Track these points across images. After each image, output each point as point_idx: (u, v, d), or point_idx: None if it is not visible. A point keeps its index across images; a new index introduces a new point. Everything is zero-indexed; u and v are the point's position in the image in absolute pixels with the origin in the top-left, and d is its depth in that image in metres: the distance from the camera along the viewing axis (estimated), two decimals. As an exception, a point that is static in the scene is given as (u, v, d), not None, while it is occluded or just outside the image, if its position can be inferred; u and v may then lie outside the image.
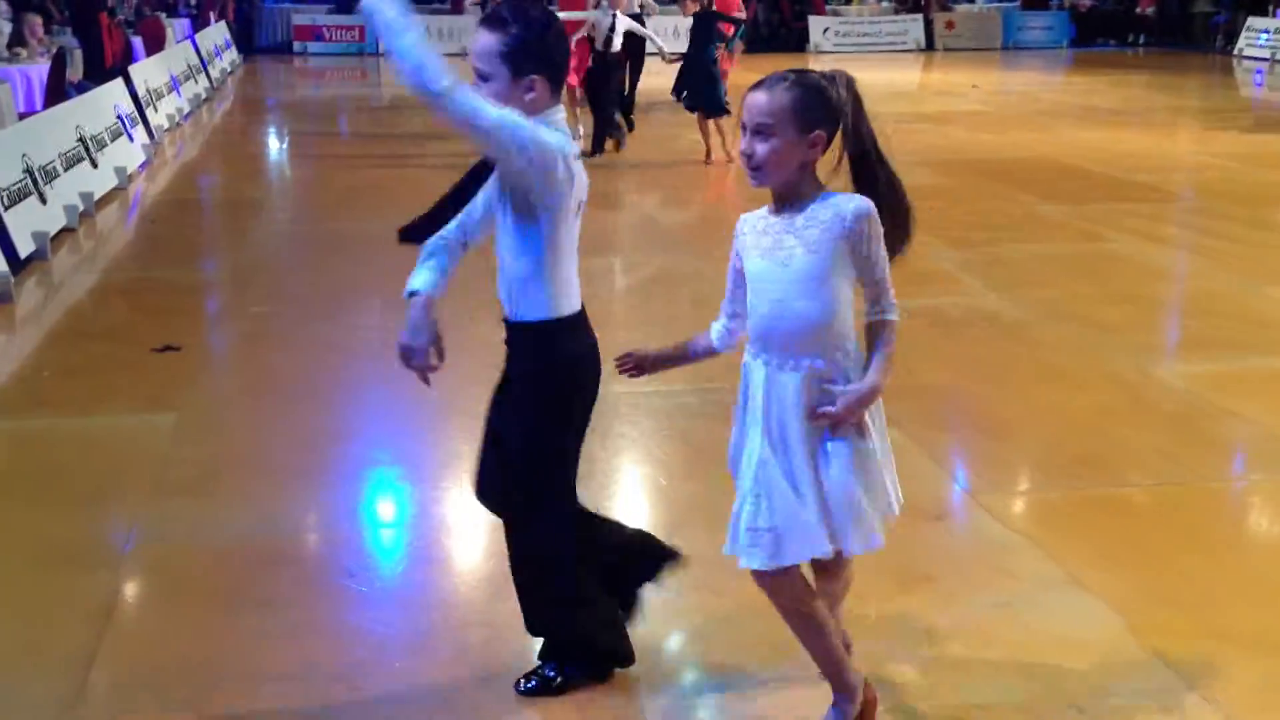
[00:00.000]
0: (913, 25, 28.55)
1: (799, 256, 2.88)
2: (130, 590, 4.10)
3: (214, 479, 4.95)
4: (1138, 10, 29.51)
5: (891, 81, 21.12)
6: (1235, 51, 26.38)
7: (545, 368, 3.19)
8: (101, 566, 4.20)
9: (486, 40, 3.02)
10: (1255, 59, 25.27)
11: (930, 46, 28.11)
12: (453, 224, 3.28)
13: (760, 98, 2.87)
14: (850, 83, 2.91)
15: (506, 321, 3.23)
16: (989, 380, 6.11)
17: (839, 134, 2.90)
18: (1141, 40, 29.09)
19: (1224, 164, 12.78)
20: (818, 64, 17.57)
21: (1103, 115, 16.63)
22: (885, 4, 29.48)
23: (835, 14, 28.85)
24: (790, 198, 2.92)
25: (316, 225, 9.78)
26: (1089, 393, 5.89)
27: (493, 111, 2.89)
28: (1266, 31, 26.09)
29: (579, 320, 3.21)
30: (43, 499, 4.75)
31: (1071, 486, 4.89)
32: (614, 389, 5.88)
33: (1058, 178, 11.73)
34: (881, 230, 2.91)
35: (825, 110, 2.87)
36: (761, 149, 2.85)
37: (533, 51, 3.01)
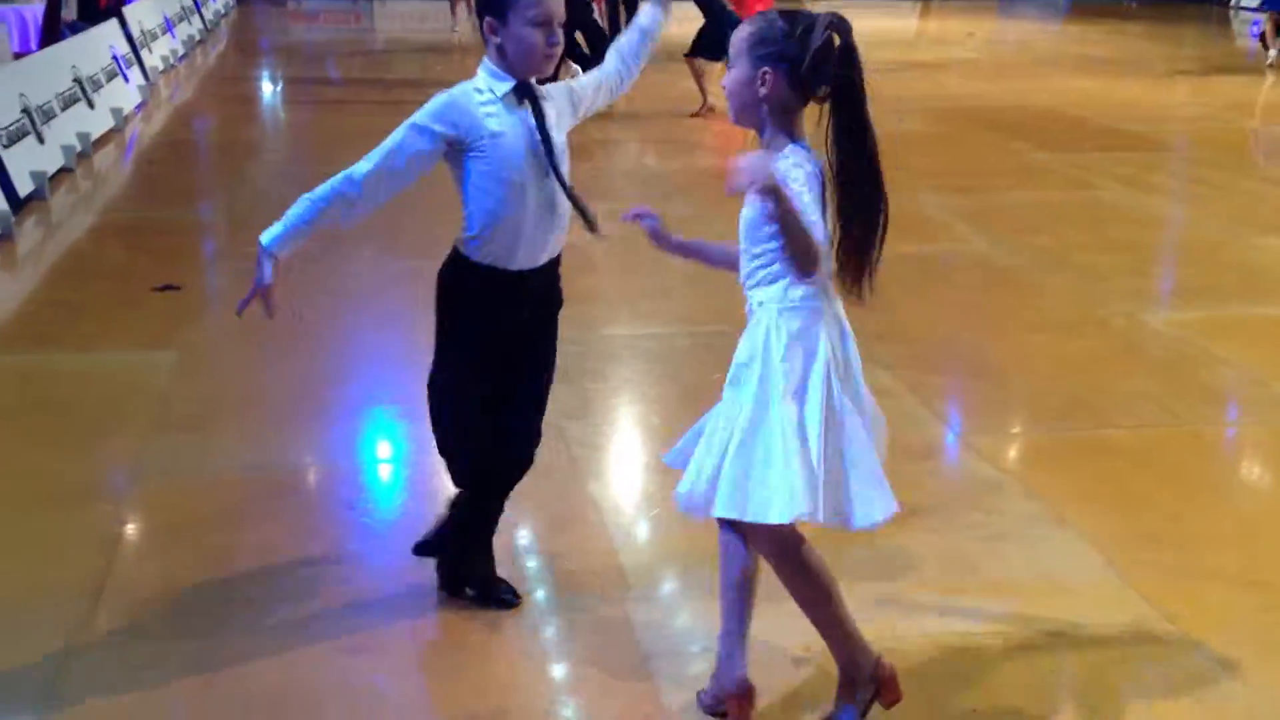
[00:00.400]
0: (910, -27, 28.34)
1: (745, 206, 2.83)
2: (135, 522, 4.18)
3: (215, 416, 5.03)
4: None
5: (888, 29, 21.03)
6: (1231, 3, 26.27)
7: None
8: (106, 500, 4.29)
9: None
10: (1251, 10, 25.16)
11: (927, -5, 27.96)
12: None
13: (736, 31, 2.87)
14: (835, 29, 2.73)
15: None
16: (980, 326, 6.20)
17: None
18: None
19: (1217, 114, 12.81)
20: (815, 8, 17.46)
21: (1098, 65, 16.61)
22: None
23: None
24: (763, 143, 2.85)
25: (312, 167, 9.68)
26: (1079, 338, 5.97)
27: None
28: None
29: None
30: (47, 434, 4.83)
31: (1059, 429, 4.98)
32: (608, 332, 6.00)
33: (1051, 126, 11.75)
34: (804, 201, 2.67)
35: (777, 48, 2.75)
36: (725, 80, 2.88)
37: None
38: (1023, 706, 3.20)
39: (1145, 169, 9.94)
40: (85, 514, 4.18)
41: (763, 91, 2.78)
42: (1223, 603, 3.71)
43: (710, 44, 11.62)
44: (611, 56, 3.57)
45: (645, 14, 3.59)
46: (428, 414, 3.51)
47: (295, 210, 3.29)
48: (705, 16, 11.80)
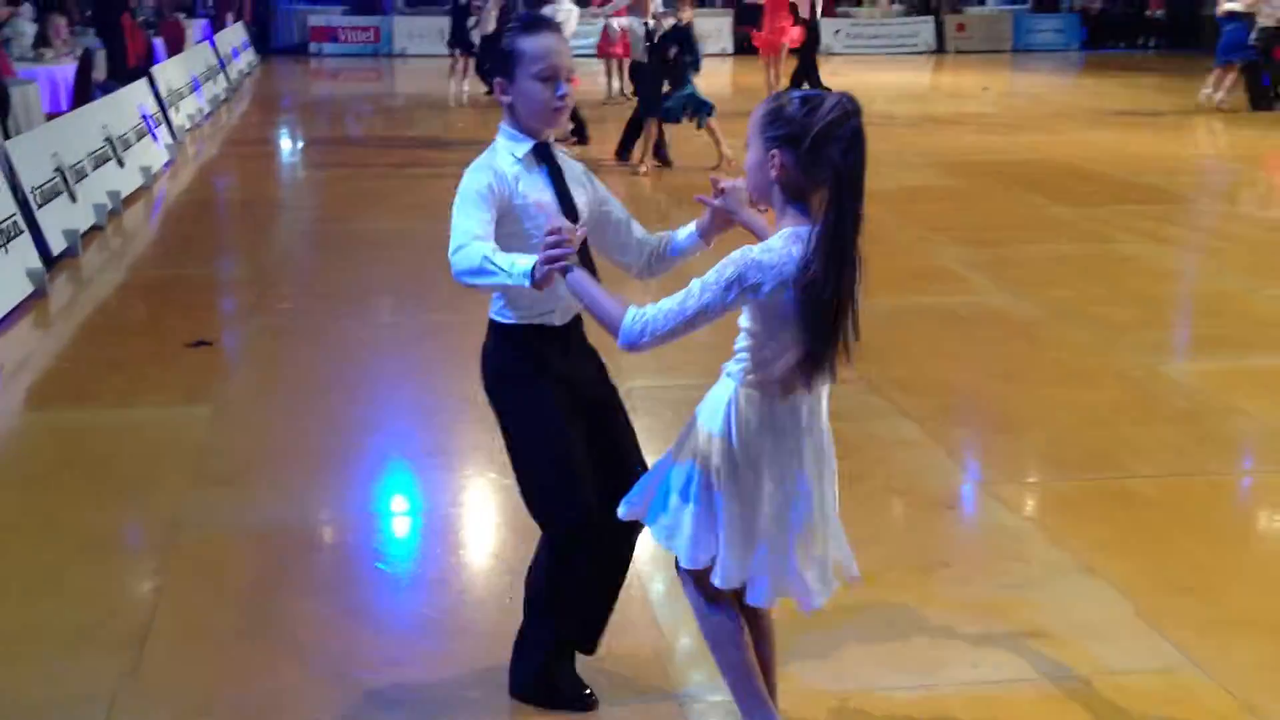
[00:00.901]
0: (924, 27, 28.69)
1: None
2: (176, 575, 4.25)
3: (249, 469, 5.12)
4: (1147, 13, 29.59)
5: (903, 83, 21.30)
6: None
7: None
8: (146, 553, 4.39)
9: None
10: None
11: (941, 49, 28.24)
12: None
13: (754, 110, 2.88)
14: (843, 111, 2.70)
15: None
16: (1000, 377, 6.27)
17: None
18: (1152, 43, 29.19)
19: (1231, 165, 12.93)
20: (828, 65, 17.75)
21: (1112, 117, 16.76)
22: (897, 6, 29.61)
23: (846, 15, 28.98)
24: (776, 222, 2.86)
25: (337, 225, 9.95)
26: (1099, 390, 6.04)
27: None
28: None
29: None
30: (87, 489, 4.93)
31: (1081, 478, 5.04)
32: (630, 384, 6.08)
33: (1067, 179, 11.87)
34: (729, 278, 2.74)
35: (786, 130, 2.74)
36: (746, 161, 2.90)
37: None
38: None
39: (1161, 221, 10.03)
40: (127, 566, 4.28)
41: (773, 174, 2.79)
42: (1253, 650, 3.76)
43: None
44: (654, 243, 3.40)
45: (688, 240, 3.36)
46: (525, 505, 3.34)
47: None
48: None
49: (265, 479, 5.02)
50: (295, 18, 27.40)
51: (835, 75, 23.05)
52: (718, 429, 2.94)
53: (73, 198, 9.04)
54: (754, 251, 2.76)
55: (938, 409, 5.72)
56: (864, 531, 4.58)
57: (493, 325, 3.35)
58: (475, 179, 3.14)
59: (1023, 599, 4.08)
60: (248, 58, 22.41)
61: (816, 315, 2.74)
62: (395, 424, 5.70)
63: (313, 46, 26.53)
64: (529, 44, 3.16)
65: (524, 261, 2.86)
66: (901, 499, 4.85)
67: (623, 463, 3.34)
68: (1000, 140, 14.64)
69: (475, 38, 17.59)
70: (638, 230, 3.41)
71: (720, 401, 2.95)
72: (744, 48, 26.20)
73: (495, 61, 3.35)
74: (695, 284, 2.78)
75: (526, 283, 2.85)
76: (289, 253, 9.08)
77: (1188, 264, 9.04)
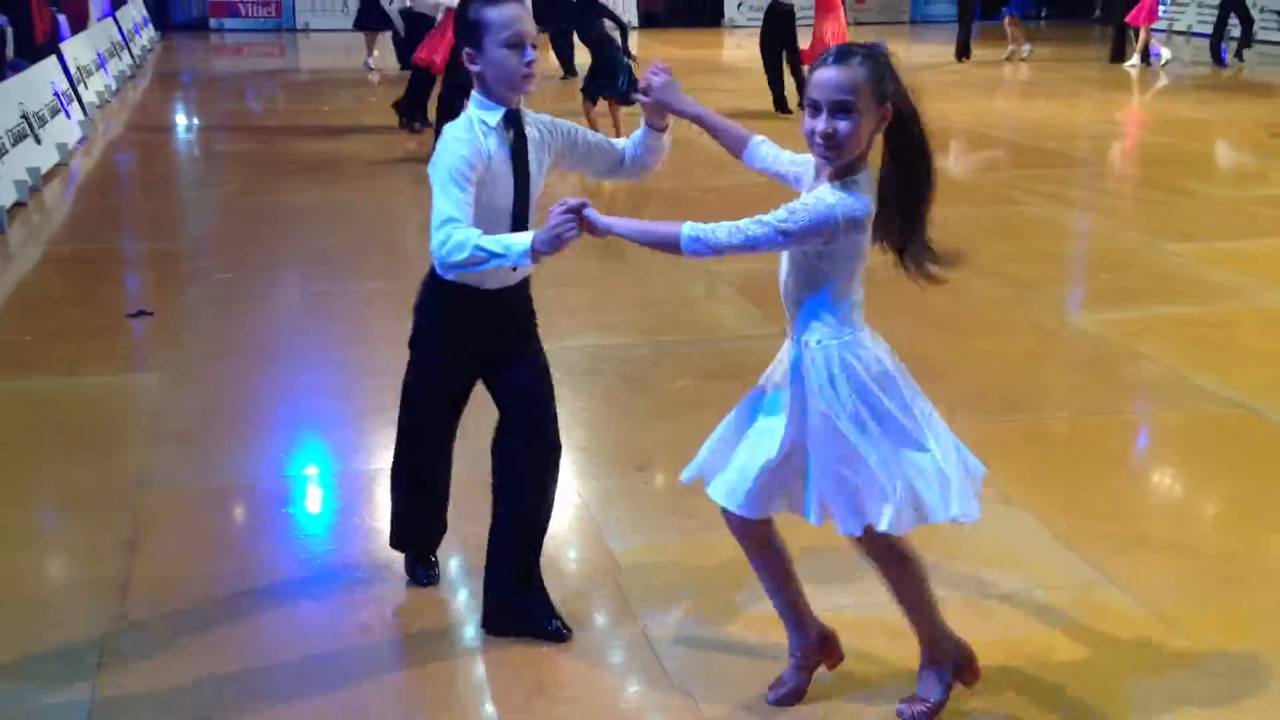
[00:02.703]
0: (825, 0, 29.06)
1: None
2: (148, 528, 4.41)
3: (207, 430, 5.28)
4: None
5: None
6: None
7: None
8: (121, 506, 4.52)
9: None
10: (1153, 30, 26.17)
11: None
12: None
13: (834, 73, 2.89)
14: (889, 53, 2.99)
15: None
16: (922, 331, 6.58)
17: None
18: (1044, 14, 29.92)
19: (1125, 130, 13.48)
20: (732, 38, 18.02)
21: (1010, 86, 17.29)
22: (798, -21, 29.95)
23: (748, -12, 29.29)
24: (845, 173, 2.98)
25: (260, 198, 10.02)
26: (1014, 339, 6.43)
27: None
28: (1164, 4, 27.03)
29: None
30: (52, 452, 5.05)
31: (1000, 420, 5.39)
32: (574, 343, 6.32)
33: (971, 145, 12.31)
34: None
35: (895, 82, 2.94)
36: (844, 126, 2.89)
37: None
38: (981, 659, 3.58)
39: (1062, 184, 10.50)
40: (101, 520, 4.42)
41: (882, 128, 2.95)
42: (1161, 567, 4.13)
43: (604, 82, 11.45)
44: (627, 144, 3.62)
45: (644, 136, 3.58)
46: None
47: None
48: (595, 53, 11.54)
49: (224, 438, 5.18)
50: (195, -8, 27.01)
51: (740, 48, 23.40)
52: (845, 395, 3.08)
53: (-5, 174, 9.01)
54: (831, 199, 2.92)
55: (864, 360, 6.04)
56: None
57: (432, 276, 3.53)
58: (454, 153, 3.29)
59: (946, 528, 4.38)
60: (149, 33, 22.08)
61: (916, 222, 3.10)
62: (344, 386, 5.85)
63: (213, 22, 26.13)
64: (495, 13, 3.32)
65: (519, 240, 3.07)
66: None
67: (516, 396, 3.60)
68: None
69: (393, 12, 17.58)
70: (614, 142, 3.65)
71: (824, 372, 3.09)
72: (649, 20, 26.45)
73: (457, 32, 3.48)
74: (767, 217, 2.91)
75: (527, 261, 3.06)
76: (216, 225, 9.13)
77: (1089, 223, 9.48)
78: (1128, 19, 19.75)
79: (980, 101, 15.63)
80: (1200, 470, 5.09)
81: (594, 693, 3.46)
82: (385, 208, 9.57)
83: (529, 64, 3.36)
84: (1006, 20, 20.62)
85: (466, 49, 3.40)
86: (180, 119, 15.09)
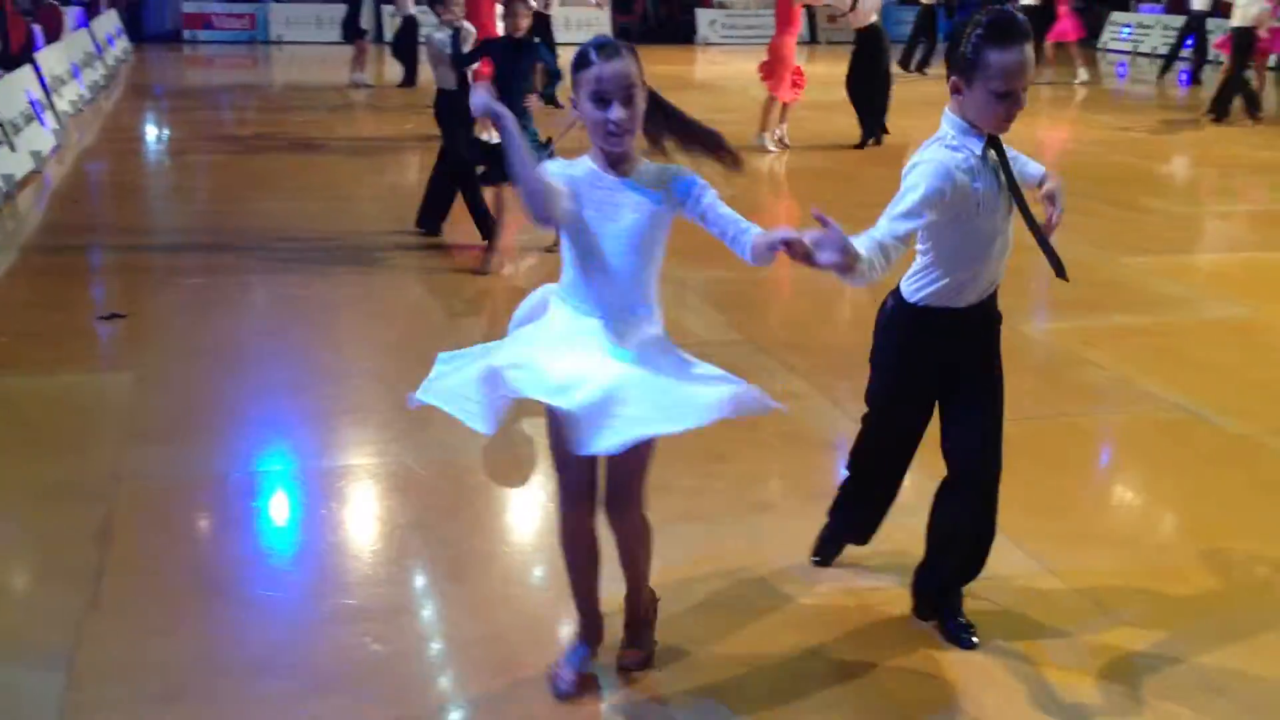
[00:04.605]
0: (796, 18, 29.38)
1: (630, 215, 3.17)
2: (124, 517, 4.53)
3: (181, 428, 5.40)
4: (1008, 4, 30.73)
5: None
6: (1099, 45, 27.73)
7: None
8: (95, 500, 4.64)
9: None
10: (1118, 52, 26.63)
11: (814, 39, 29.00)
12: None
13: (618, 66, 3.06)
14: None
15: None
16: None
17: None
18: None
19: (1087, 149, 13.73)
20: (705, 55, 18.23)
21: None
22: (769, -3, 30.32)
23: (721, 6, 29.61)
24: (626, 160, 3.17)
25: (231, 206, 10.12)
26: (966, 346, 6.60)
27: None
28: (1129, 26, 27.49)
29: None
30: (26, 448, 5.16)
31: (952, 422, 5.56)
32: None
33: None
34: None
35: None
36: (630, 112, 3.09)
37: None
38: (925, 648, 3.74)
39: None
40: (78, 511, 4.54)
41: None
42: (1101, 559, 4.32)
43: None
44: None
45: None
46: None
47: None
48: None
49: (197, 436, 5.30)
50: (168, 3, 26.99)
51: (713, 64, 23.66)
52: None
53: (-31, 180, 9.10)
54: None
55: (822, 365, 6.22)
56: (763, 468, 5.10)
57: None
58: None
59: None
60: (122, 44, 22.14)
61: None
62: (314, 386, 5.96)
63: (186, 33, 26.19)
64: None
65: None
66: (793, 442, 5.33)
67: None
68: (822, 120, 15.24)
69: (398, 20, 17.94)
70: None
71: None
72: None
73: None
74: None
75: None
76: (188, 232, 9.22)
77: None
78: (1049, 37, 20.15)
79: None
80: (1144, 470, 5.29)
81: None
82: (355, 215, 9.70)
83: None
84: None
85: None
86: (152, 129, 15.17)
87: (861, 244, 3.16)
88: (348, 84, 18.20)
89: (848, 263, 3.03)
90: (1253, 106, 16.11)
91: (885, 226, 3.31)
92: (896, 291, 3.72)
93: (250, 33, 26.37)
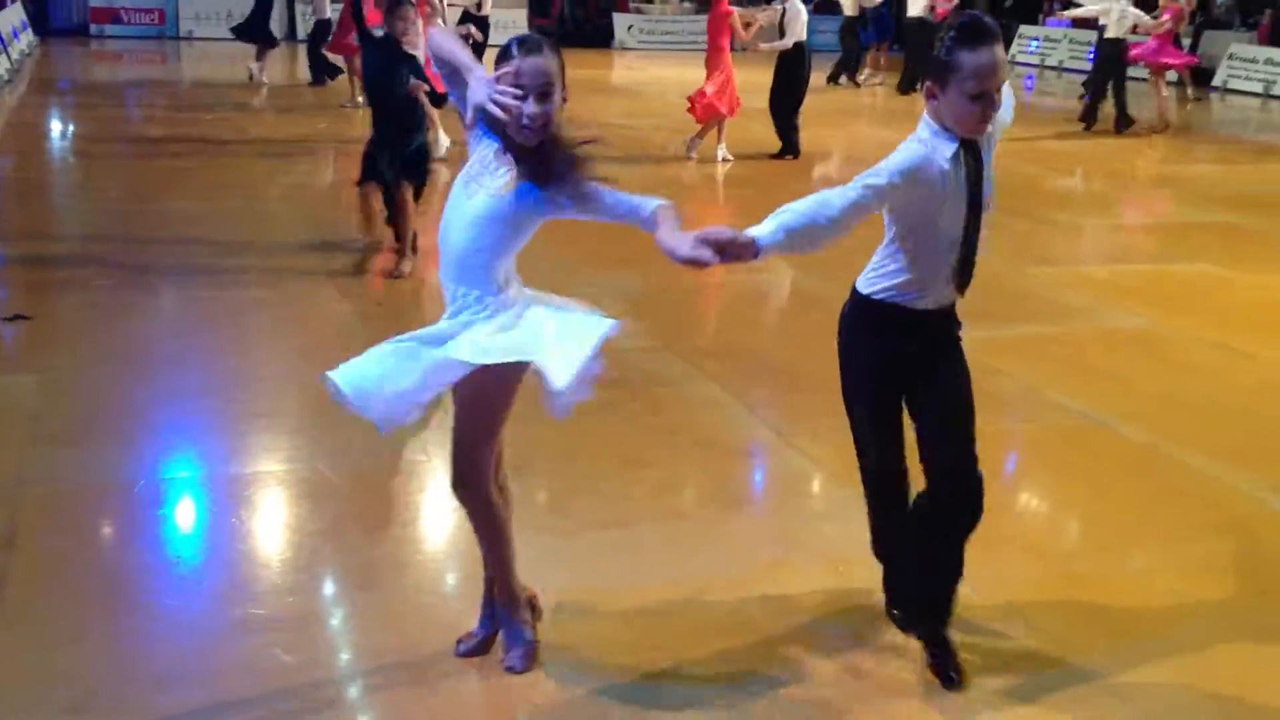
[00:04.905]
0: (712, 25, 29.53)
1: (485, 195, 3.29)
2: (29, 523, 4.44)
3: (90, 430, 5.29)
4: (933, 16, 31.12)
5: (691, 79, 21.95)
6: (1008, 58, 28.21)
7: None
8: (-2, 505, 4.54)
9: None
10: (1026, 65, 27.14)
11: (730, 47, 29.12)
12: None
13: (539, 62, 3.19)
14: None
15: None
16: (794, 344, 6.88)
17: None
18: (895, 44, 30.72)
19: (997, 161, 13.95)
20: (622, 60, 18.26)
21: (889, 114, 17.78)
22: (686, 4, 30.44)
23: (639, 12, 29.68)
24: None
25: (141, 205, 9.94)
26: (879, 354, 6.69)
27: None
28: (1036, 39, 28.03)
29: None
30: (-76, 450, 5.03)
31: (864, 430, 5.63)
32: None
33: (848, 169, 12.62)
34: None
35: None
36: (549, 108, 3.20)
37: None
38: (836, 654, 3.79)
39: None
40: (-22, 518, 4.44)
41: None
42: (1014, 565, 4.40)
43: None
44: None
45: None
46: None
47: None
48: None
49: (104, 440, 5.21)
50: (75, -3, 26.49)
51: (630, 69, 23.71)
52: None
53: None
54: None
55: (737, 371, 6.27)
56: (678, 476, 5.13)
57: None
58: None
59: (815, 530, 4.64)
60: (27, 39, 21.63)
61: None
62: (224, 391, 5.88)
63: (94, 28, 25.70)
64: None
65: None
66: (709, 449, 5.36)
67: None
68: (749, 137, 15.38)
69: (311, 22, 17.89)
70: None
71: None
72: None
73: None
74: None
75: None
76: (95, 232, 9.03)
77: (956, 247, 9.84)
78: None
79: (861, 129, 16.08)
80: (1051, 478, 5.41)
81: (473, 686, 3.59)
82: (266, 217, 9.59)
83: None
84: (875, 49, 22.20)
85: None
86: (58, 125, 14.85)
87: (799, 208, 3.25)
88: (248, 79, 18.00)
89: (740, 249, 3.11)
90: (1093, 116, 16.84)
91: (851, 184, 3.36)
92: (854, 292, 3.75)
93: (159, 28, 25.95)
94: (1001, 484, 5.31)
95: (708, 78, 13.10)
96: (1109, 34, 16.66)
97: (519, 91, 3.16)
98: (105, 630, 3.76)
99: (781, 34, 13.32)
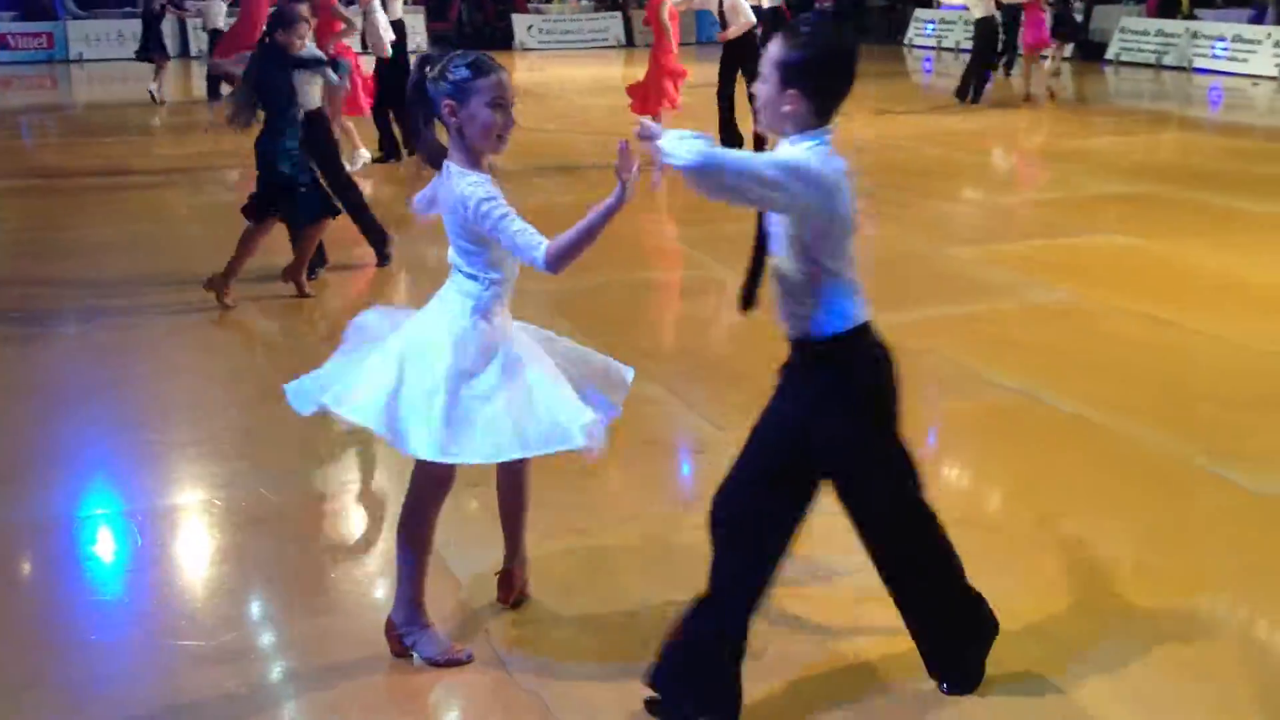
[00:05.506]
0: (613, 22, 29.62)
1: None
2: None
3: (11, 468, 5.15)
4: (816, 4, 31.43)
5: (597, 76, 22.02)
6: (905, 41, 28.61)
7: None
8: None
9: (773, 47, 3.20)
10: (923, 48, 27.52)
11: (630, 43, 29.22)
12: None
13: (507, 76, 3.43)
14: None
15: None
16: (729, 339, 6.89)
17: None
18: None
19: (902, 144, 14.14)
20: (524, 61, 18.29)
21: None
22: (585, 1, 30.44)
23: (538, 12, 29.61)
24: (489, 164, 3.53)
25: (46, 233, 9.70)
26: (809, 343, 6.72)
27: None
28: (932, 22, 28.42)
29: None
30: None
31: (803, 418, 5.65)
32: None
33: (761, 161, 12.71)
34: None
35: None
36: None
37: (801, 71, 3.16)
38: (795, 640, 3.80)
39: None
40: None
41: None
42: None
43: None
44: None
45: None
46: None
47: None
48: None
49: (23, 476, 5.07)
50: (-42, 24, 25.81)
51: (532, 70, 23.62)
52: None
53: None
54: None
55: (677, 370, 6.26)
56: (625, 477, 5.10)
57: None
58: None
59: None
60: (-91, 67, 21.05)
61: None
62: (150, 421, 5.73)
63: (-21, 54, 25.09)
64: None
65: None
66: (653, 448, 5.35)
67: None
68: (697, 126, 15.42)
69: (204, 36, 17.55)
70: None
71: None
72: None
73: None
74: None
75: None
76: (5, 260, 8.81)
77: (874, 231, 9.93)
78: None
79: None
80: (991, 452, 5.46)
81: (438, 702, 3.54)
82: (179, 239, 9.40)
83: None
84: None
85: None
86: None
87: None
88: (150, 99, 17.66)
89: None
90: (976, 94, 17.78)
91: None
92: (819, 355, 3.45)
93: (49, 51, 25.41)
94: (944, 461, 5.37)
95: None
96: (976, 14, 17.40)
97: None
98: (33, 670, 3.65)
99: (723, 25, 13.33)
